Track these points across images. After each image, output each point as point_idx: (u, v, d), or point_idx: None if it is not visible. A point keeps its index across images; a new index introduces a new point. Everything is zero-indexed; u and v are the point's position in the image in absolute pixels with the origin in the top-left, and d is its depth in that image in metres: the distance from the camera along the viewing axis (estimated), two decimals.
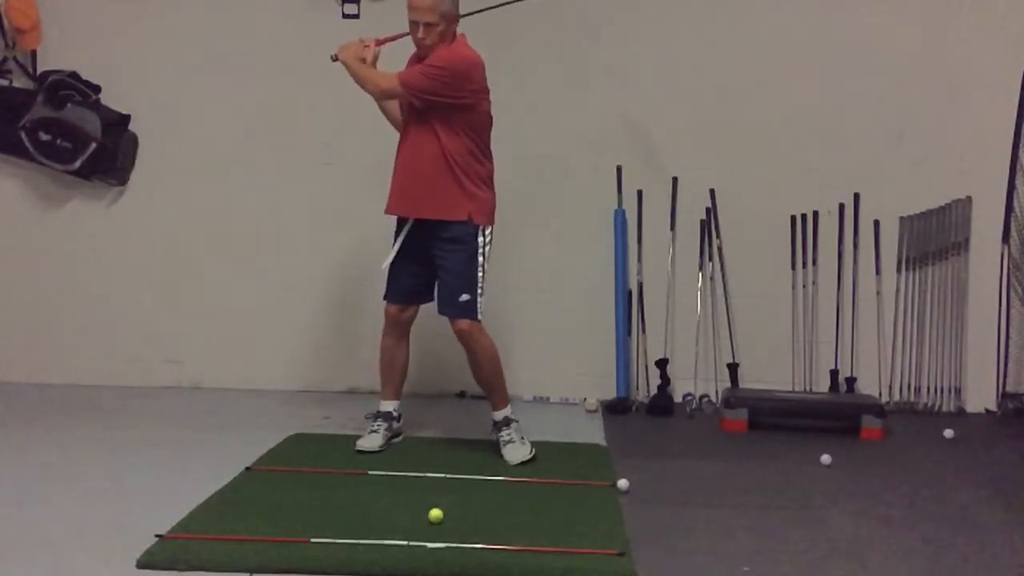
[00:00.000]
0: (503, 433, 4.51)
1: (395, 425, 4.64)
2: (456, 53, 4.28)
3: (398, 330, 4.57)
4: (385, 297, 4.56)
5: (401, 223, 4.53)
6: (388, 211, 4.53)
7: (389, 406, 4.64)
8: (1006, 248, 5.49)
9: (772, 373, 5.54)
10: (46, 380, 5.65)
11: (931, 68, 5.48)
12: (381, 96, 4.47)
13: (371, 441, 4.52)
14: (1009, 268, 5.49)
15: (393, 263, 4.49)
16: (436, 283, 4.49)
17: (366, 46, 4.40)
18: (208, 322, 5.71)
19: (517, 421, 4.57)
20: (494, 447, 4.53)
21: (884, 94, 5.48)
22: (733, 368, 5.54)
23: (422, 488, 4.04)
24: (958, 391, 5.58)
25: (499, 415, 4.55)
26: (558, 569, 3.25)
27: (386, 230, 5.63)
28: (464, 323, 4.39)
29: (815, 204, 5.55)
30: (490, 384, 4.55)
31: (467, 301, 4.38)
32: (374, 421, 4.61)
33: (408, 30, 4.35)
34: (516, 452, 4.44)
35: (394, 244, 4.51)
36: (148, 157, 5.66)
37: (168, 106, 5.64)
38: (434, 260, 4.43)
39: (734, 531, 3.68)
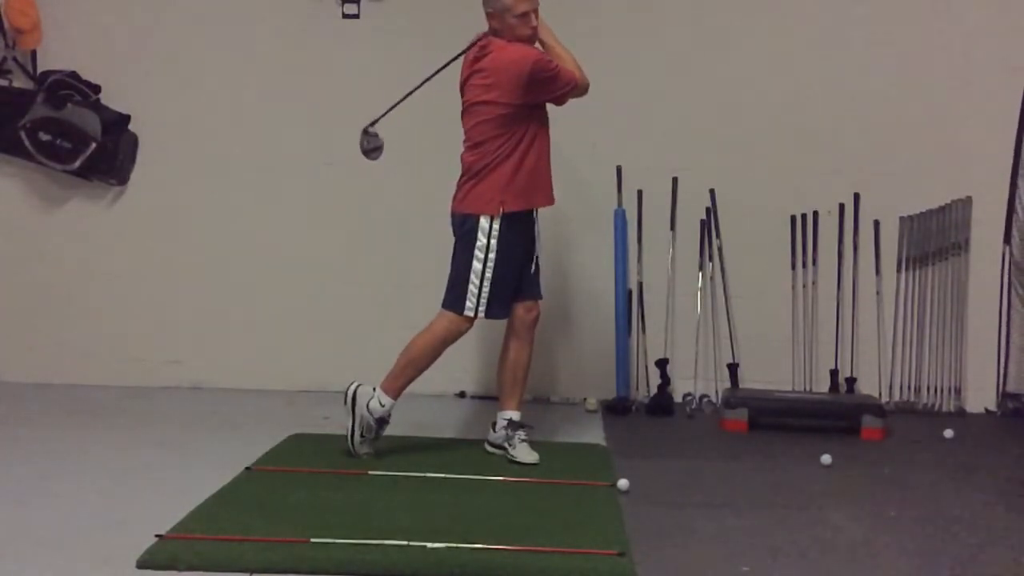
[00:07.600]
0: (520, 432, 4.47)
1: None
2: None
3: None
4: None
5: (529, 218, 4.43)
6: (549, 203, 4.47)
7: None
8: (1008, 249, 5.49)
9: (772, 373, 5.54)
10: (46, 380, 5.65)
11: (931, 68, 5.49)
12: (583, 91, 4.45)
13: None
14: (1010, 269, 5.49)
15: (515, 266, 4.40)
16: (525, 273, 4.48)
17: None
18: (208, 322, 5.71)
19: (532, 427, 4.58)
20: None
21: (884, 94, 5.48)
22: (733, 368, 5.55)
23: (422, 488, 4.04)
24: (958, 391, 5.58)
25: (517, 416, 4.52)
26: (558, 569, 3.24)
27: (385, 230, 5.67)
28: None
29: (815, 204, 5.56)
30: (523, 380, 4.55)
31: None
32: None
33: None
34: (529, 454, 4.42)
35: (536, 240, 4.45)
36: (148, 157, 5.67)
37: (168, 106, 5.64)
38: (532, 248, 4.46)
39: (734, 531, 3.67)
